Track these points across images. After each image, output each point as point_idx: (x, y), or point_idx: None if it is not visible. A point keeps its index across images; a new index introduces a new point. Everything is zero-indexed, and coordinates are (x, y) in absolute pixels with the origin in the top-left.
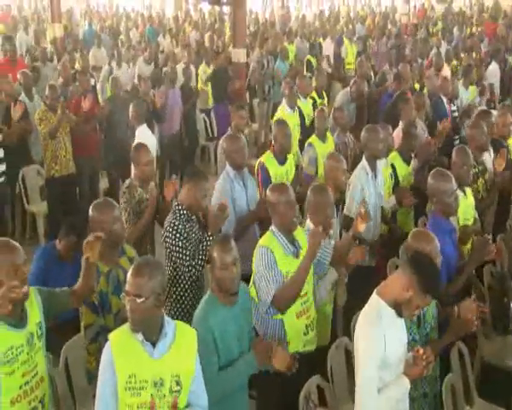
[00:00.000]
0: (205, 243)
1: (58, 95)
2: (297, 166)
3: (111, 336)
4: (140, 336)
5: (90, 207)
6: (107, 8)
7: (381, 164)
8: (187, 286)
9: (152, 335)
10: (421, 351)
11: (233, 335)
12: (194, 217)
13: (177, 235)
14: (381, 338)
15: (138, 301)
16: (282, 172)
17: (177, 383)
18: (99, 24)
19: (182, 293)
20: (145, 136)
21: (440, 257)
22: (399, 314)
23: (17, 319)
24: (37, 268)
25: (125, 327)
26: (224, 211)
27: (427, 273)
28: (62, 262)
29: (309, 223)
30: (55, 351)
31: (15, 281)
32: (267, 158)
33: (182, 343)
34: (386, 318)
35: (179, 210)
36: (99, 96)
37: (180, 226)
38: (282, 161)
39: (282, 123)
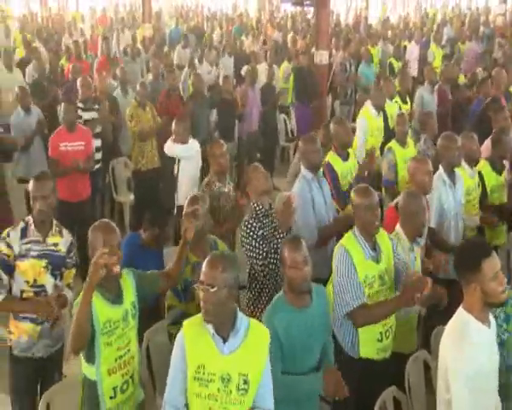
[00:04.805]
0: (275, 242)
1: (148, 92)
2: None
3: (185, 323)
4: (211, 329)
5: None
6: (193, 8)
7: (466, 173)
8: (264, 284)
9: (223, 329)
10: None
11: (298, 338)
12: (272, 211)
13: (251, 234)
14: (471, 353)
15: (211, 290)
16: (346, 169)
17: (245, 382)
18: (185, 24)
19: (259, 290)
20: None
21: None
22: (487, 324)
23: (115, 295)
24: (123, 254)
25: (200, 317)
26: (291, 205)
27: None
28: (145, 251)
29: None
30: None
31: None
32: (331, 157)
33: (253, 342)
34: (474, 332)
35: (255, 208)
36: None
37: (254, 225)
38: (344, 157)
39: (340, 120)
